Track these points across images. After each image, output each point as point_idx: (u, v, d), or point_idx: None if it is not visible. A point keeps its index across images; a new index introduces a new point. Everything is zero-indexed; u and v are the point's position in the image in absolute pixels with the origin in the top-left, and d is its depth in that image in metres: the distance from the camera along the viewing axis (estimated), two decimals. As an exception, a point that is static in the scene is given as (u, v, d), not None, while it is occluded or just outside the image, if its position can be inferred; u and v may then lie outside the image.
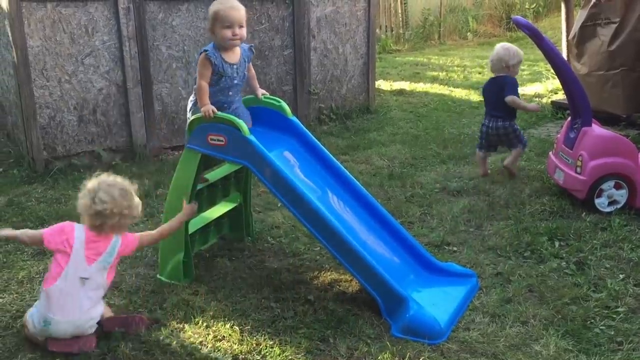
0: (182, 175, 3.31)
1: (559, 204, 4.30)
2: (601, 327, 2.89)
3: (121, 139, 5.68)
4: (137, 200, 2.93)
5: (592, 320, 2.94)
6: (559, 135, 4.63)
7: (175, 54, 5.78)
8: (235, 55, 3.30)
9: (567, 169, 4.34)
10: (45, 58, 5.18)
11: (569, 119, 4.51)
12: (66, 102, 5.36)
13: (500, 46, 4.88)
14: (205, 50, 3.23)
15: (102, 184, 2.82)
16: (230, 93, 3.34)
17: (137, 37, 5.52)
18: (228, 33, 3.20)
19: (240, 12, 3.24)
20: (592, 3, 6.08)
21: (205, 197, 3.57)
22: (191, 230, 3.47)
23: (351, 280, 3.37)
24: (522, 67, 10.25)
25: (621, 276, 3.36)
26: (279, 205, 4.43)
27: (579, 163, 4.22)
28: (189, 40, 5.82)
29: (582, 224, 4.02)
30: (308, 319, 3.03)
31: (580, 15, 6.29)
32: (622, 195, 4.17)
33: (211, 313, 3.10)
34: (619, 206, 4.18)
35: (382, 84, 8.69)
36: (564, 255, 3.62)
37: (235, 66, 3.30)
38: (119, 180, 2.88)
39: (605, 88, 6.01)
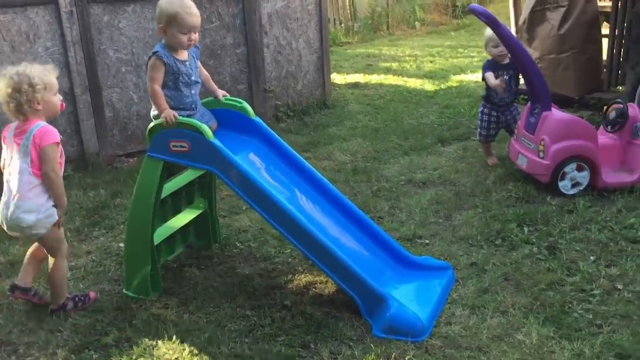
0: (144, 185, 3.16)
1: (524, 189, 4.33)
2: (579, 312, 2.90)
3: (72, 148, 5.43)
4: (51, 78, 2.97)
5: (570, 305, 2.96)
6: (519, 121, 4.66)
7: (123, 57, 5.56)
8: (183, 53, 3.17)
9: (529, 154, 4.37)
10: (-15, 68, 4.89)
11: (529, 104, 4.54)
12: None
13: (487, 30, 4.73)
14: (156, 52, 3.07)
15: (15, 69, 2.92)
16: (193, 92, 3.20)
17: (82, 42, 5.28)
18: (184, 39, 3.07)
19: (198, 19, 3.12)
20: (540, -12, 6.15)
21: (169, 205, 3.44)
22: (157, 241, 3.33)
23: (327, 281, 3.29)
24: (472, 54, 10.46)
25: (592, 258, 3.40)
26: (244, 208, 4.32)
27: (541, 147, 4.26)
28: (137, 42, 5.61)
29: (549, 207, 4.06)
30: (286, 325, 2.94)
31: (529, 1, 6.35)
32: (584, 177, 4.23)
33: (184, 327, 2.98)
34: (581, 188, 4.24)
35: (336, 78, 8.62)
36: (535, 240, 3.64)
37: (187, 63, 3.17)
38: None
39: (557, 71, 6.10)
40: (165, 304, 3.20)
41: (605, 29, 6.26)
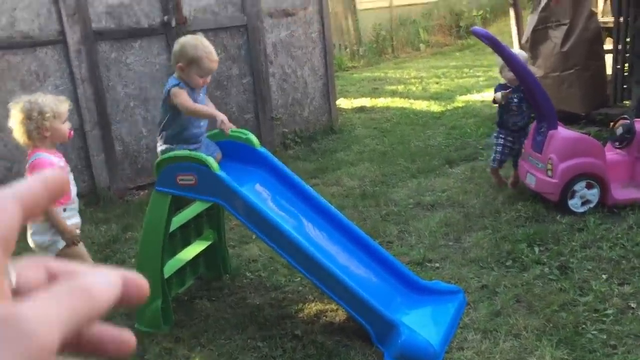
0: (153, 220, 3.19)
1: (533, 209, 4.31)
2: (593, 332, 2.87)
3: (83, 183, 5.49)
4: (60, 107, 3.01)
5: (584, 326, 2.93)
6: (526, 141, 4.66)
7: (131, 92, 5.65)
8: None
9: (538, 173, 4.37)
10: (-4, 108, 4.99)
11: (535, 123, 4.54)
12: (22, 152, 5.16)
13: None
14: (176, 84, 3.17)
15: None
16: (202, 123, 3.30)
17: (90, 79, 5.38)
18: (200, 81, 3.20)
19: (217, 65, 3.26)
20: (541, 7, 6.20)
21: (178, 238, 3.46)
22: (167, 274, 3.34)
23: (337, 309, 3.29)
24: (477, 74, 10.50)
25: (604, 277, 3.37)
26: (253, 237, 4.32)
27: (549, 166, 4.25)
28: (145, 77, 5.70)
29: (559, 226, 4.04)
30: (298, 355, 2.93)
31: (531, 20, 6.40)
32: (594, 195, 4.21)
33: (196, 360, 2.99)
34: (592, 205, 4.22)
35: (343, 102, 8.69)
36: (546, 260, 3.61)
37: (201, 94, 3.27)
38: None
39: (561, 89, 6.12)
40: (177, 337, 3.20)
41: (608, 45, 6.28)
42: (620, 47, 5.78)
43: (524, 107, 4.66)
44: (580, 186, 4.19)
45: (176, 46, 3.21)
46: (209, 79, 3.28)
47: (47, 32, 5.14)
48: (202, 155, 3.05)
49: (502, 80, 4.74)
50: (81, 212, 5.10)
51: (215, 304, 3.52)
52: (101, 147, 5.52)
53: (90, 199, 5.49)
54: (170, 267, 3.43)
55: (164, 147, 3.28)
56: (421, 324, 2.95)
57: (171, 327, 3.29)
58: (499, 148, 4.75)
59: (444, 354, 2.82)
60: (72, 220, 3.17)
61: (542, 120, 4.43)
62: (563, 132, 4.33)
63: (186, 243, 3.58)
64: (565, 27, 6.02)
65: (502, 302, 3.20)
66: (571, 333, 2.87)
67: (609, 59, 6.26)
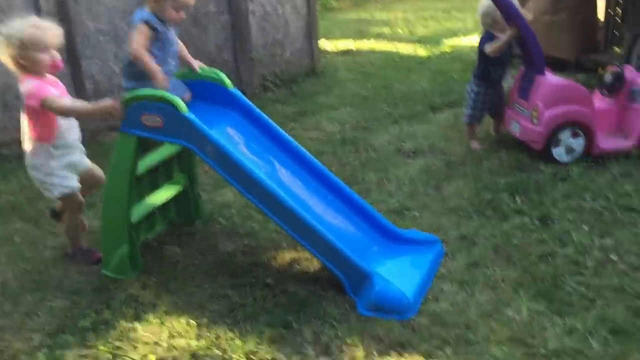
0: (118, 162, 3.02)
1: (517, 157, 4.20)
2: (572, 285, 2.80)
3: (53, 123, 5.27)
4: (38, 34, 2.85)
5: (562, 278, 2.85)
6: (512, 87, 4.50)
7: (102, 27, 5.35)
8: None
9: (523, 121, 4.23)
10: (-44, 41, 4.70)
11: (522, 69, 4.37)
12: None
13: (485, 0, 4.34)
14: (145, 20, 2.94)
15: None
16: (172, 62, 3.10)
17: (58, 12, 5.06)
18: (175, 15, 3.00)
19: None
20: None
21: (146, 182, 3.30)
22: (135, 218, 3.20)
23: (311, 258, 3.18)
24: (465, 17, 10.20)
25: (586, 228, 3.29)
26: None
27: (534, 114, 4.11)
28: (116, 12, 5.40)
29: (542, 176, 3.94)
30: (268, 304, 2.84)
31: (522, -40, 6.12)
32: (579, 144, 4.10)
33: (164, 308, 2.88)
34: (576, 154, 4.11)
35: (326, 45, 8.41)
36: (527, 210, 3.52)
37: (172, 29, 3.07)
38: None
39: (552, 33, 5.91)
40: (144, 284, 3.09)
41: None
42: (613, -9, 5.57)
43: (505, 57, 4.42)
44: (565, 135, 4.06)
45: None
46: (183, 14, 3.05)
47: (9, -40, 4.81)
48: (168, 94, 2.85)
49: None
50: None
51: (185, 250, 3.40)
52: (71, 85, 5.25)
53: (60, 139, 5.27)
54: (139, 211, 3.28)
55: (128, 84, 3.07)
56: (396, 274, 2.85)
57: (139, 273, 3.17)
58: (479, 104, 4.46)
59: (419, 306, 2.74)
60: (66, 158, 3.08)
61: (529, 67, 4.26)
62: (551, 78, 4.18)
63: (155, 187, 3.42)
64: (557, -33, 5.78)
65: (481, 253, 3.12)
66: (549, 285, 2.80)
67: (600, 3, 6.05)
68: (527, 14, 5.91)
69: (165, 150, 3.37)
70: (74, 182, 3.13)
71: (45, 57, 2.89)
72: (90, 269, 3.28)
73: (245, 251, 3.34)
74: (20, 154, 5.01)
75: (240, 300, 2.88)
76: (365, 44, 8.50)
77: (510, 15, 4.06)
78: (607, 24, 5.73)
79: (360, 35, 9.20)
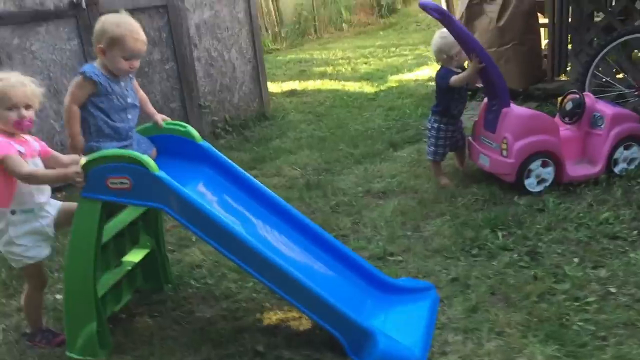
0: (81, 231, 2.71)
1: (489, 191, 4.13)
2: (579, 323, 2.68)
3: (-10, 188, 4.84)
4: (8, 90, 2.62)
5: (567, 317, 2.73)
6: (476, 119, 4.47)
7: (39, 83, 5.00)
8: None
9: (491, 154, 4.19)
10: None
11: (485, 101, 4.35)
12: None
13: (438, 35, 4.28)
14: (83, 72, 2.74)
15: None
16: (129, 116, 2.87)
17: (-9, 69, 4.71)
18: (126, 65, 2.79)
19: (145, 46, 2.84)
20: (475, -19, 6.04)
21: (112, 249, 2.99)
22: (101, 291, 2.88)
23: (300, 317, 2.95)
24: (404, 52, 10.34)
25: (576, 260, 3.21)
26: (194, 239, 3.91)
27: (504, 146, 4.07)
28: (55, 66, 5.08)
29: (518, 208, 3.87)
30: (263, 375, 2.58)
31: (464, -5, 6.24)
32: (549, 173, 4.07)
33: (144, 392, 2.57)
34: (547, 184, 4.08)
35: (271, 86, 8.26)
36: (513, 246, 3.42)
37: (122, 83, 2.85)
38: None
39: (499, 64, 5.89)
40: (118, 365, 2.77)
41: (541, 19, 6.22)
42: (555, 20, 5.70)
43: (464, 91, 4.41)
44: (535, 165, 4.04)
45: (97, 25, 2.80)
46: (136, 63, 2.85)
47: None
48: (136, 153, 2.60)
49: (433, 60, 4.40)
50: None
51: (158, 321, 3.09)
52: (8, 146, 4.87)
53: None
54: (104, 283, 2.97)
55: (87, 144, 2.81)
56: (398, 329, 2.67)
57: (109, 352, 2.84)
58: (441, 141, 4.37)
59: (426, 361, 2.56)
60: (30, 225, 2.75)
61: (493, 98, 4.25)
62: (516, 109, 4.17)
63: (121, 254, 3.12)
64: (500, 1, 5.90)
65: (477, 296, 2.97)
66: (557, 326, 2.67)
67: (542, 33, 6.21)
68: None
69: (131, 212, 3.09)
70: (37, 252, 2.78)
71: (11, 115, 2.62)
72: (52, 351, 2.93)
73: (226, 316, 3.07)
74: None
75: (230, 374, 2.61)
76: (310, 84, 8.43)
77: (471, 48, 4.04)
78: (552, 53, 5.86)
79: (304, 75, 9.14)
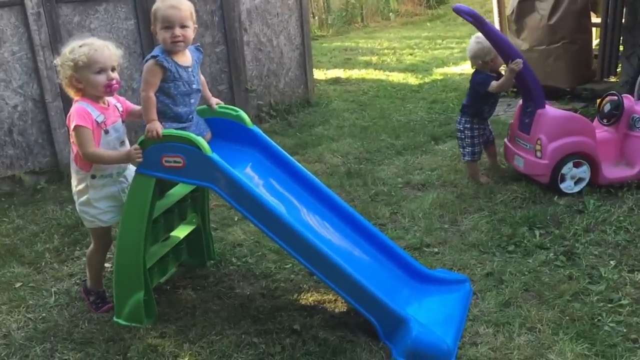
0: (134, 205, 2.87)
1: (530, 189, 4.15)
2: (610, 324, 2.72)
3: (44, 159, 5.09)
4: (94, 54, 2.75)
5: (600, 318, 2.78)
6: (512, 121, 4.47)
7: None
8: (186, 58, 2.89)
9: (526, 155, 4.19)
10: (-54, 76, 4.53)
11: (521, 102, 4.35)
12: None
13: (474, 40, 4.30)
14: (155, 56, 2.78)
15: None
16: (192, 101, 2.93)
17: (51, 45, 4.92)
18: (166, 35, 2.78)
19: (180, 12, 2.79)
20: (527, -23, 5.99)
21: (162, 224, 3.15)
22: (149, 263, 3.05)
23: (336, 300, 3.06)
24: (451, 45, 10.28)
25: (612, 263, 3.23)
26: (237, 219, 4.06)
27: (537, 147, 4.08)
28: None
29: (558, 208, 3.89)
30: (298, 353, 2.70)
31: (516, -9, 6.19)
32: (585, 174, 4.07)
33: (186, 359, 2.72)
34: (583, 186, 4.07)
35: (316, 73, 8.35)
36: (549, 245, 3.46)
37: (189, 69, 2.89)
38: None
39: (547, 62, 5.96)
40: (162, 333, 2.93)
41: (594, 18, 6.13)
42: (608, 20, 5.62)
43: (498, 95, 4.42)
44: (570, 166, 4.02)
45: None
46: (178, 31, 2.75)
47: (3, -7, 4.67)
48: (191, 135, 2.73)
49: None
50: (43, 190, 4.80)
51: (201, 294, 3.25)
52: (64, 119, 5.09)
53: (52, 175, 5.09)
54: (153, 255, 3.14)
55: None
56: (431, 318, 2.75)
57: (154, 320, 3.01)
58: (477, 140, 4.40)
59: (457, 350, 2.64)
60: (107, 190, 2.94)
61: (528, 100, 4.24)
62: (551, 111, 4.15)
63: (169, 229, 3.27)
64: (552, -1, 5.84)
65: (511, 292, 3.03)
66: (588, 326, 2.72)
67: (594, 33, 6.12)
68: (521, 44, 6.00)
69: (180, 190, 3.23)
70: (110, 217, 2.98)
71: (100, 79, 2.77)
72: (100, 316, 3.11)
73: (265, 294, 3.21)
74: (10, 192, 4.85)
75: (267, 349, 2.73)
76: (355, 73, 8.49)
77: (509, 54, 4.05)
78: (603, 54, 5.78)
79: (348, 63, 9.19)
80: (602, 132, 4.36)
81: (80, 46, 2.78)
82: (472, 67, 4.47)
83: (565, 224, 3.68)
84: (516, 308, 2.90)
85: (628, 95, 4.38)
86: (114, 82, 2.81)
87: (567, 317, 2.79)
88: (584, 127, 4.14)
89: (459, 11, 3.92)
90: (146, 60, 2.82)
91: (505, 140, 4.53)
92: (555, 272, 3.19)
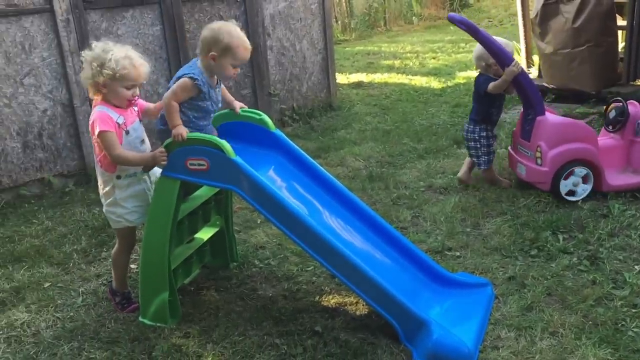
0: (159, 207, 2.93)
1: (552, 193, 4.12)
2: (634, 330, 2.70)
3: (72, 162, 5.20)
4: (128, 69, 2.81)
5: (624, 323, 2.76)
6: (514, 129, 4.45)
7: (123, 65, 5.31)
8: (214, 78, 3.01)
9: (527, 162, 4.17)
10: (-21, 82, 4.66)
11: (522, 111, 4.33)
12: (7, 128, 4.84)
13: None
14: (195, 79, 2.86)
15: None
16: (212, 116, 3.08)
17: (80, 51, 5.02)
18: (232, 72, 2.94)
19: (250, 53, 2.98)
20: (552, -20, 5.95)
21: (186, 226, 3.20)
22: (174, 264, 3.10)
23: (357, 302, 3.09)
24: (474, 49, 10.21)
25: (637, 268, 3.21)
26: (259, 222, 4.10)
27: (538, 154, 4.05)
28: (137, 49, 5.29)
29: (581, 212, 3.87)
30: (320, 354, 2.72)
31: (540, -7, 6.16)
32: (586, 182, 4.04)
33: (209, 359, 2.76)
34: (585, 193, 4.04)
35: (339, 77, 8.39)
36: (572, 249, 3.44)
37: (217, 89, 3.03)
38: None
39: (572, 66, 5.91)
40: (186, 333, 2.98)
41: (620, 21, 6.07)
42: (634, 23, 5.55)
43: (503, 99, 4.41)
44: (571, 174, 3.99)
45: (207, 32, 2.90)
46: (238, 70, 2.99)
47: (33, 0, 4.79)
48: (216, 138, 2.78)
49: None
50: (71, 193, 4.90)
51: (224, 296, 3.30)
52: (92, 123, 5.20)
53: (80, 178, 5.20)
54: (177, 256, 3.19)
55: (165, 127, 3.00)
56: (452, 321, 2.76)
57: (179, 321, 3.06)
58: (492, 147, 4.40)
59: (478, 354, 2.64)
60: (133, 189, 3.00)
61: (528, 108, 4.21)
62: (551, 117, 4.11)
63: (194, 231, 3.33)
64: (577, 2, 5.79)
65: (533, 296, 3.02)
66: (612, 331, 2.70)
67: (620, 36, 6.06)
68: (546, 47, 5.95)
69: (204, 192, 3.29)
70: (136, 217, 3.03)
71: (126, 94, 2.85)
72: (126, 316, 3.17)
73: (287, 296, 3.24)
74: (39, 194, 4.96)
75: (289, 350, 2.77)
76: (377, 77, 8.50)
77: (504, 61, 4.04)
78: (629, 57, 5.72)
79: (371, 67, 9.21)
80: (607, 138, 4.31)
81: (123, 57, 2.82)
82: (475, 69, 4.47)
83: (589, 228, 3.65)
84: (538, 312, 2.90)
85: (633, 101, 4.33)
86: (136, 98, 2.92)
87: (590, 322, 2.78)
88: (584, 133, 4.10)
89: (452, 20, 3.96)
90: (180, 76, 2.89)
91: (509, 148, 4.52)
92: (578, 276, 3.18)
